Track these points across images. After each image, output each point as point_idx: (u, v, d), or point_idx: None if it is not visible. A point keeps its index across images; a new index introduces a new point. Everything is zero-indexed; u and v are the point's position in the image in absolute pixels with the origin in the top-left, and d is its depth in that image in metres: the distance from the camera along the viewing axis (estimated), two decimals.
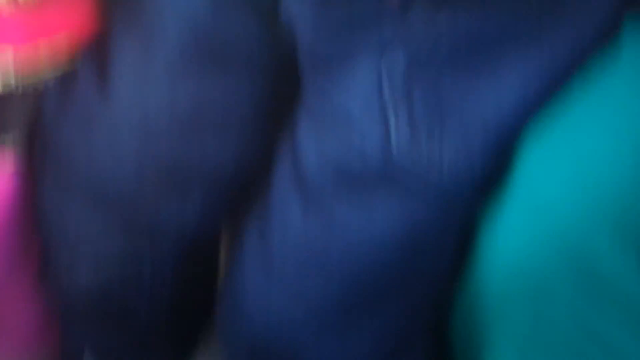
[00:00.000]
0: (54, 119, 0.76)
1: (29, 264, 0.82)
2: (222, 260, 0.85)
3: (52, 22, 0.75)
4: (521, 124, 0.67)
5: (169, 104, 0.73)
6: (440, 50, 0.66)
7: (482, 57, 0.66)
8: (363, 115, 0.67)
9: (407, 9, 0.65)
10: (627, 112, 0.66)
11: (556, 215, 0.65)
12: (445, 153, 0.66)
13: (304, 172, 0.71)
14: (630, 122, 0.66)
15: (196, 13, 0.72)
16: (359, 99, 0.67)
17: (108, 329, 0.82)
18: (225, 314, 0.75)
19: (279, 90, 0.75)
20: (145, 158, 0.74)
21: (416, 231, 0.68)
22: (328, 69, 0.69)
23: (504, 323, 0.68)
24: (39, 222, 0.79)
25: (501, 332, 0.69)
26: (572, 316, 0.66)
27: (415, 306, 0.72)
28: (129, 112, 0.73)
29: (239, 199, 0.78)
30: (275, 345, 0.71)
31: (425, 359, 0.74)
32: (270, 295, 0.71)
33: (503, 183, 0.67)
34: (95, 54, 0.75)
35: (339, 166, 0.68)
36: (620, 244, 0.64)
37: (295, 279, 0.70)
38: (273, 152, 0.74)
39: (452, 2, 0.64)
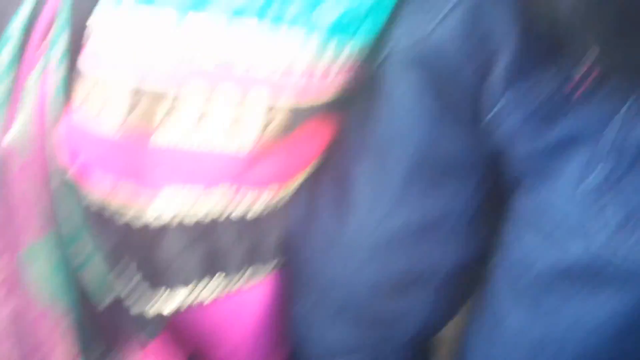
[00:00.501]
0: (299, 239, 0.88)
1: None
2: None
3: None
4: None
5: (405, 221, 0.83)
6: None
7: None
8: (578, 214, 0.74)
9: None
10: None
11: None
12: None
13: (518, 272, 0.78)
14: None
15: (420, 130, 0.82)
16: (571, 198, 0.74)
17: None
18: None
19: (489, 192, 0.83)
20: (381, 271, 0.84)
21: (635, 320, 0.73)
22: (529, 186, 0.77)
23: None
24: (289, 332, 0.90)
25: None
26: None
27: None
28: (367, 231, 0.83)
29: (461, 295, 0.86)
30: None
31: None
32: None
33: None
34: (334, 176, 0.86)
35: (555, 265, 0.76)
36: None
37: None
38: (488, 251, 0.82)
39: None
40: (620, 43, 0.69)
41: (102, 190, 0.81)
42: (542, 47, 0.76)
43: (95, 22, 0.81)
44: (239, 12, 0.78)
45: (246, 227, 0.84)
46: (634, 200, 0.72)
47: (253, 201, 0.84)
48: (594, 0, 0.69)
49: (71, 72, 0.84)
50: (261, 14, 0.78)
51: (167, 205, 0.80)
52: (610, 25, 0.69)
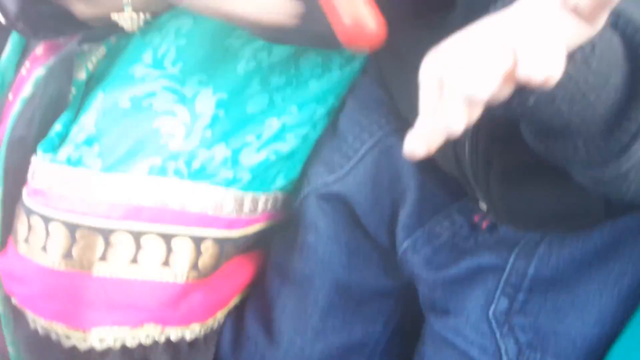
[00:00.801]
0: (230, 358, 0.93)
1: None
2: None
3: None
4: (610, 338, 0.79)
5: (326, 348, 0.89)
6: (538, 280, 0.79)
7: (572, 281, 0.79)
8: (490, 335, 0.81)
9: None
10: None
11: None
12: None
13: None
14: None
15: (340, 259, 0.89)
16: (482, 320, 0.81)
17: None
18: None
19: (406, 314, 0.90)
20: None
21: None
22: (442, 311, 0.84)
23: None
24: None
25: None
26: None
27: None
28: (293, 355, 0.89)
29: None
30: None
31: None
32: None
33: None
34: (260, 305, 0.92)
35: None
36: None
37: None
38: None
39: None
40: (504, 201, 0.77)
41: (45, 318, 0.86)
42: (440, 195, 0.84)
43: (33, 171, 0.88)
44: (161, 172, 0.85)
45: (179, 352, 0.90)
46: (539, 322, 0.79)
47: (180, 335, 0.90)
48: (482, 162, 0.77)
49: (10, 212, 0.90)
50: (180, 173, 0.85)
51: (101, 340, 0.86)
52: (496, 187, 0.77)
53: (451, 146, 0.81)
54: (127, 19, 0.88)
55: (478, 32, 0.55)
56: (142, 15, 0.88)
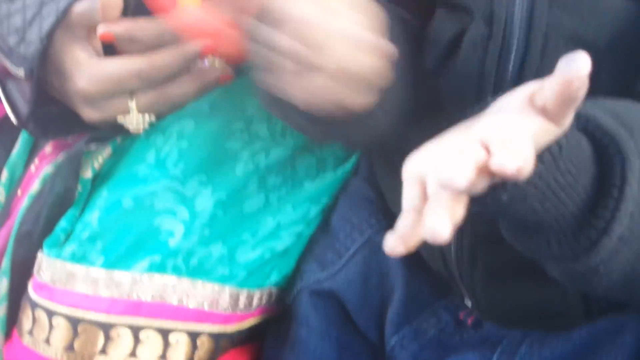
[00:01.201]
0: None
1: None
2: None
3: None
4: None
5: None
6: None
7: None
8: None
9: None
10: None
11: None
12: None
13: None
14: None
15: (331, 356, 0.92)
16: None
17: None
18: None
19: None
20: None
21: None
22: None
23: None
24: None
25: None
26: None
27: None
28: None
29: None
30: None
31: None
32: None
33: None
34: None
35: None
36: None
37: None
38: None
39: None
40: (488, 298, 0.81)
41: None
42: (427, 292, 0.88)
43: (38, 266, 0.92)
44: (160, 268, 0.89)
45: None
46: None
47: None
48: (468, 260, 0.81)
49: (15, 304, 0.94)
50: (178, 270, 0.89)
51: None
52: (480, 284, 0.81)
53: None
54: (132, 121, 0.94)
55: (455, 131, 0.60)
56: (146, 117, 0.94)
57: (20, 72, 0.93)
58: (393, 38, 0.76)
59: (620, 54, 0.76)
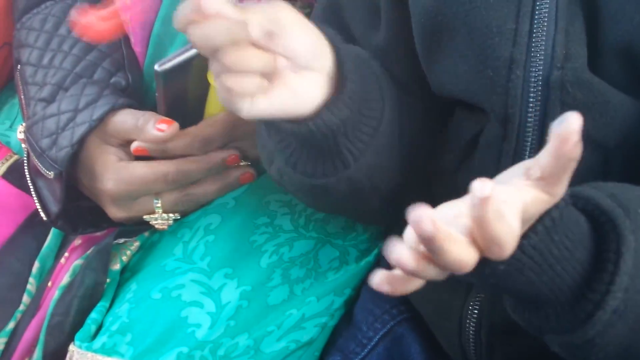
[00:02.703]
0: None
1: None
2: None
3: None
4: None
5: None
6: None
7: None
8: None
9: None
10: None
11: None
12: None
13: None
14: None
15: None
16: None
17: None
18: None
19: None
20: None
21: None
22: None
23: None
24: None
25: None
26: None
27: None
28: None
29: None
30: None
31: None
32: None
33: None
34: None
35: None
36: None
37: None
38: None
39: None
40: None
41: None
42: None
43: (70, 358, 0.94)
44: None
45: None
46: None
47: None
48: (486, 352, 0.83)
49: None
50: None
51: None
52: None
53: (456, 335, 0.87)
54: (157, 219, 0.98)
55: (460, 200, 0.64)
56: (171, 216, 0.98)
57: (50, 173, 0.97)
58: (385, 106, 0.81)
59: (630, 151, 0.79)
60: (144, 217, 0.97)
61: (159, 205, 0.97)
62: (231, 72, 0.72)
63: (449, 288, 0.87)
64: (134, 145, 0.94)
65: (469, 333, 0.87)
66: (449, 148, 0.87)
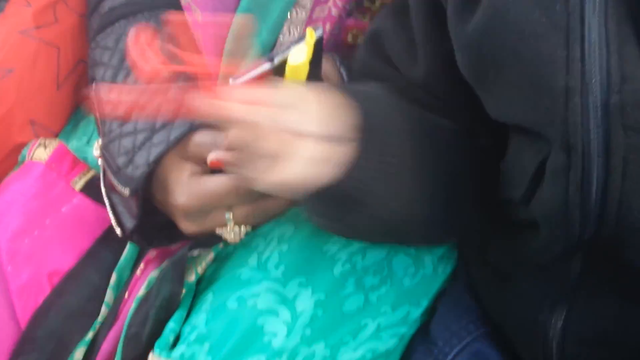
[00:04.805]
0: None
1: None
2: None
3: None
4: None
5: None
6: None
7: None
8: None
9: None
10: None
11: None
12: None
13: None
14: None
15: None
16: None
17: None
18: None
19: None
20: None
21: None
22: None
23: None
24: None
25: None
26: None
27: None
28: None
29: None
30: None
31: None
32: None
33: None
34: None
35: None
36: None
37: None
38: None
39: None
40: None
41: None
42: None
43: None
44: None
45: None
46: None
47: None
48: None
49: None
50: None
51: None
52: None
53: (540, 348, 0.87)
54: (229, 233, 0.99)
55: None
56: (243, 229, 0.99)
57: (126, 191, 0.99)
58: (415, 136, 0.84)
59: None
60: (217, 230, 0.99)
61: (231, 218, 0.98)
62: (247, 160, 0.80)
63: (533, 303, 0.88)
64: (211, 158, 0.96)
65: (553, 346, 0.86)
66: (515, 183, 0.86)
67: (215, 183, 0.97)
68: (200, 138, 0.97)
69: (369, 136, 0.82)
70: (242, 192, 0.96)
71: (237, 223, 0.98)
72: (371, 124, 0.82)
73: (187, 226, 0.99)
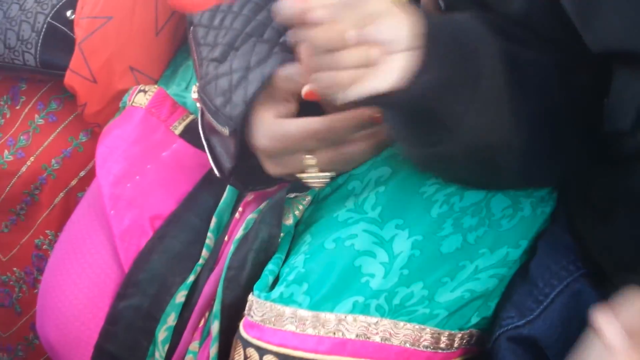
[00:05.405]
0: None
1: None
2: None
3: None
4: None
5: None
6: None
7: None
8: None
9: None
10: None
11: None
12: None
13: None
14: None
15: None
16: None
17: None
18: None
19: None
20: None
21: None
22: None
23: None
24: None
25: None
26: None
27: None
28: None
29: None
30: None
31: None
32: None
33: None
34: None
35: None
36: None
37: None
38: None
39: None
40: None
41: None
42: None
43: (249, 307, 0.97)
44: (364, 309, 0.92)
45: None
46: None
47: None
48: None
49: (225, 344, 1.00)
50: (381, 310, 0.92)
51: None
52: None
53: None
54: (312, 177, 0.99)
55: None
56: (326, 174, 0.98)
57: (225, 130, 1.00)
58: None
59: None
60: (299, 175, 0.99)
61: (314, 163, 0.98)
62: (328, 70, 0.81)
63: (635, 241, 0.86)
64: (305, 89, 0.95)
65: None
66: (624, 112, 0.84)
67: (295, 127, 0.97)
68: (288, 70, 0.97)
69: (455, 55, 0.82)
70: (321, 137, 0.96)
71: (321, 169, 0.98)
72: (461, 44, 0.82)
73: (272, 168, 0.99)
